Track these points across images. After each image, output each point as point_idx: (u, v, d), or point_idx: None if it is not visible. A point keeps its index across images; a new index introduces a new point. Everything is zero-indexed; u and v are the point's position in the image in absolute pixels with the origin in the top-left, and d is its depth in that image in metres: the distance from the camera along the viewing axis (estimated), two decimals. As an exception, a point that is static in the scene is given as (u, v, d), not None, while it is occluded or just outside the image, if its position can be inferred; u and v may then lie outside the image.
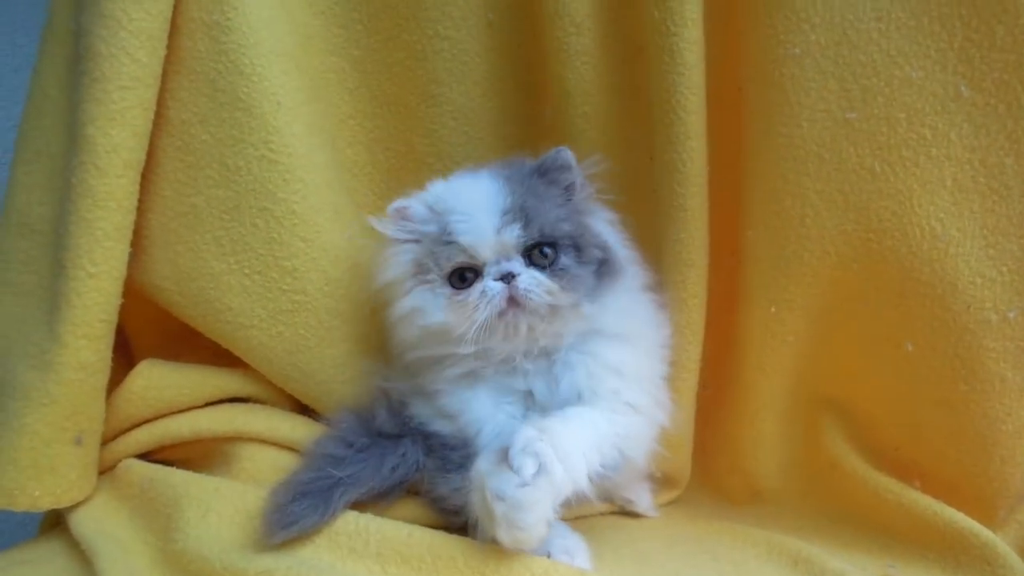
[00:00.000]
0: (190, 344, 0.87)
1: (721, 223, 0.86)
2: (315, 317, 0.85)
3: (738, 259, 0.88)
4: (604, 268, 0.75)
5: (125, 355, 0.88)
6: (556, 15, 0.86)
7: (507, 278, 0.70)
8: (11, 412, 0.75)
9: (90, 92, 0.75)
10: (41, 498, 0.76)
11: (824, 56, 0.76)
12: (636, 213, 0.81)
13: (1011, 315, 0.76)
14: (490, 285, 0.71)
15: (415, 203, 0.76)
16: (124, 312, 0.79)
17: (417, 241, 0.75)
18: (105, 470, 0.83)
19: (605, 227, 0.78)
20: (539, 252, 0.72)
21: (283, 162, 0.83)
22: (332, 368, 0.86)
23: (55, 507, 0.77)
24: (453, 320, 0.72)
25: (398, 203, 0.77)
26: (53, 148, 0.79)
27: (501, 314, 0.70)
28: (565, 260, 0.73)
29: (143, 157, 0.79)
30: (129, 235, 0.78)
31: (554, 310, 0.71)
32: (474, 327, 0.70)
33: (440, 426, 0.77)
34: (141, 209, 0.80)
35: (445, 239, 0.73)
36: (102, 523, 0.76)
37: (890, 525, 0.79)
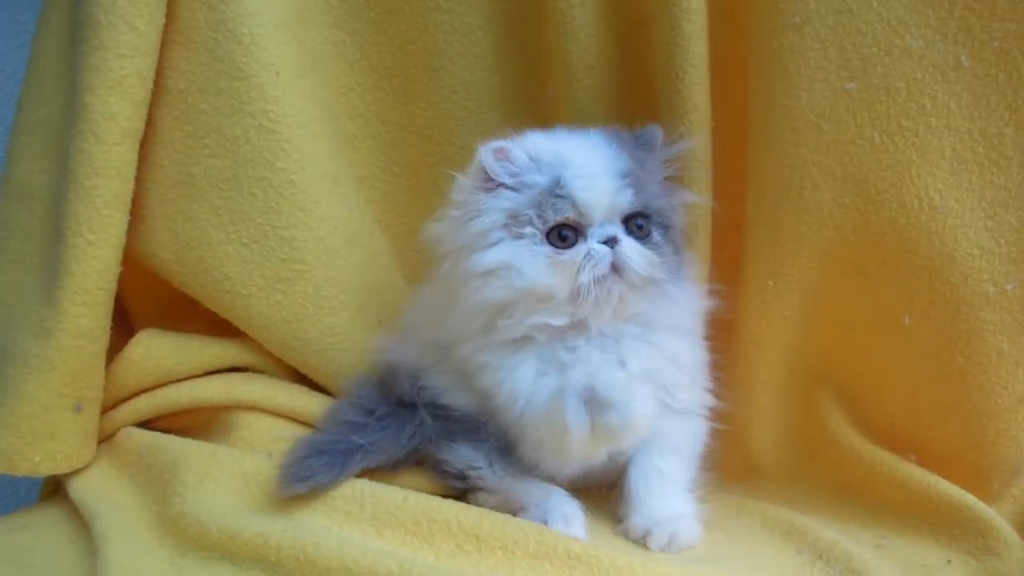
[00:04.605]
0: (189, 314, 0.88)
1: (727, 196, 0.86)
2: (313, 286, 0.86)
3: (741, 232, 0.88)
4: (680, 253, 0.75)
5: (124, 325, 0.88)
6: (559, -13, 0.85)
7: (611, 243, 0.69)
8: (11, 379, 0.76)
9: (89, 60, 0.75)
10: (41, 464, 0.76)
11: (823, 25, 0.76)
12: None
13: (1009, 287, 0.75)
14: (596, 248, 0.68)
15: (515, 148, 0.71)
16: (123, 282, 0.80)
17: (515, 189, 0.71)
18: (104, 439, 0.84)
19: (681, 212, 0.78)
20: (635, 223, 0.71)
21: (281, 132, 0.83)
22: (330, 337, 0.87)
23: (54, 473, 0.78)
24: (551, 281, 0.69)
25: (499, 143, 0.71)
26: (52, 117, 0.80)
27: (601, 280, 0.68)
28: (657, 236, 0.72)
29: (142, 126, 0.79)
30: (128, 203, 0.79)
31: (645, 283, 0.70)
32: (577, 290, 0.68)
33: (453, 398, 0.78)
34: (139, 179, 0.80)
35: (557, 192, 0.69)
36: (101, 489, 0.77)
37: (885, 498, 0.79)
